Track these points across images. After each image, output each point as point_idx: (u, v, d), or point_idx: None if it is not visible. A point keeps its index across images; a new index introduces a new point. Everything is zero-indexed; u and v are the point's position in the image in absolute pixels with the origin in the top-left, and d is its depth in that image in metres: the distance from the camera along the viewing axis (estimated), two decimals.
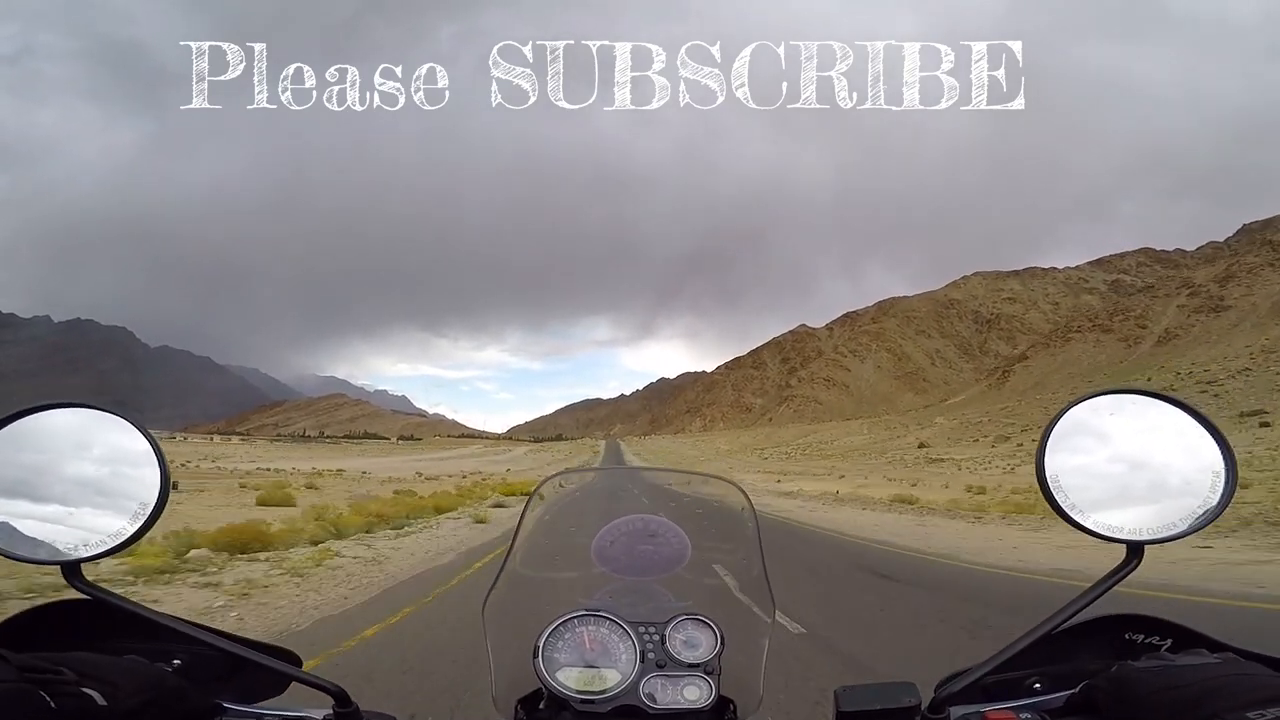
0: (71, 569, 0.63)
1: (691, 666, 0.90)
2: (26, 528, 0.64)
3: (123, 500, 0.66)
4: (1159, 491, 0.70)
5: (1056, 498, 0.68)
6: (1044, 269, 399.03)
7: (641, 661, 0.90)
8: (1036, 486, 0.70)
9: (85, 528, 0.65)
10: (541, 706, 0.91)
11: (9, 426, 0.66)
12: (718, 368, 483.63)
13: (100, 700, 0.54)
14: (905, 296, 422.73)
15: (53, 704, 0.49)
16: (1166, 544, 0.69)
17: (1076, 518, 0.68)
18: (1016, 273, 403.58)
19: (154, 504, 0.65)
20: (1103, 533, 0.67)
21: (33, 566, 0.66)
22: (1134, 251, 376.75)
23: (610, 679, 0.88)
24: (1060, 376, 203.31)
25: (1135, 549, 0.68)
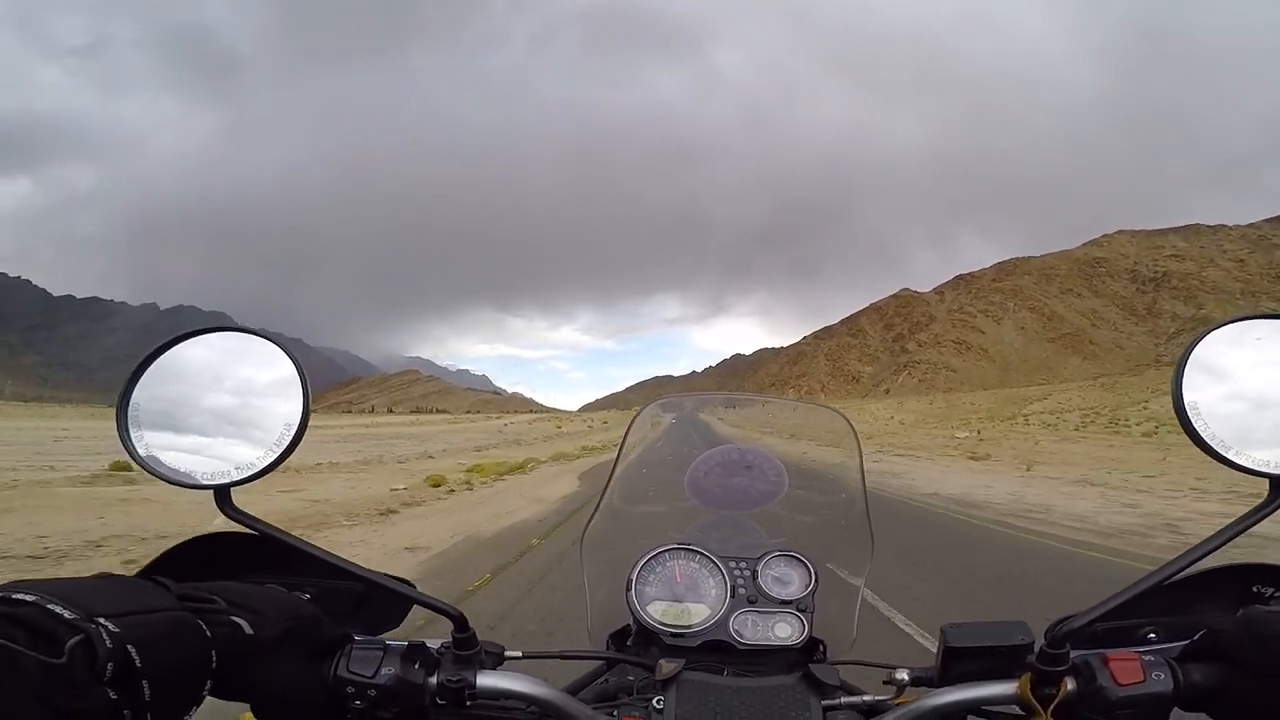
0: (222, 495, 0.65)
1: (783, 603, 0.88)
2: (179, 458, 0.66)
3: (267, 424, 0.67)
4: None
5: (1196, 427, 0.62)
6: (1210, 226, 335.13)
7: (731, 597, 0.89)
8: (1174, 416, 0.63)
9: (232, 454, 0.66)
10: (630, 641, 0.91)
11: (164, 355, 0.67)
12: (804, 338, 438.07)
13: (248, 629, 0.56)
14: (1031, 256, 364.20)
15: (208, 632, 0.52)
16: None
17: (1218, 448, 0.61)
18: (1176, 229, 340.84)
19: (297, 426, 0.66)
20: (1246, 465, 0.61)
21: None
22: None
23: (699, 614, 0.87)
24: None
25: (1278, 484, 0.60)
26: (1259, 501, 0.61)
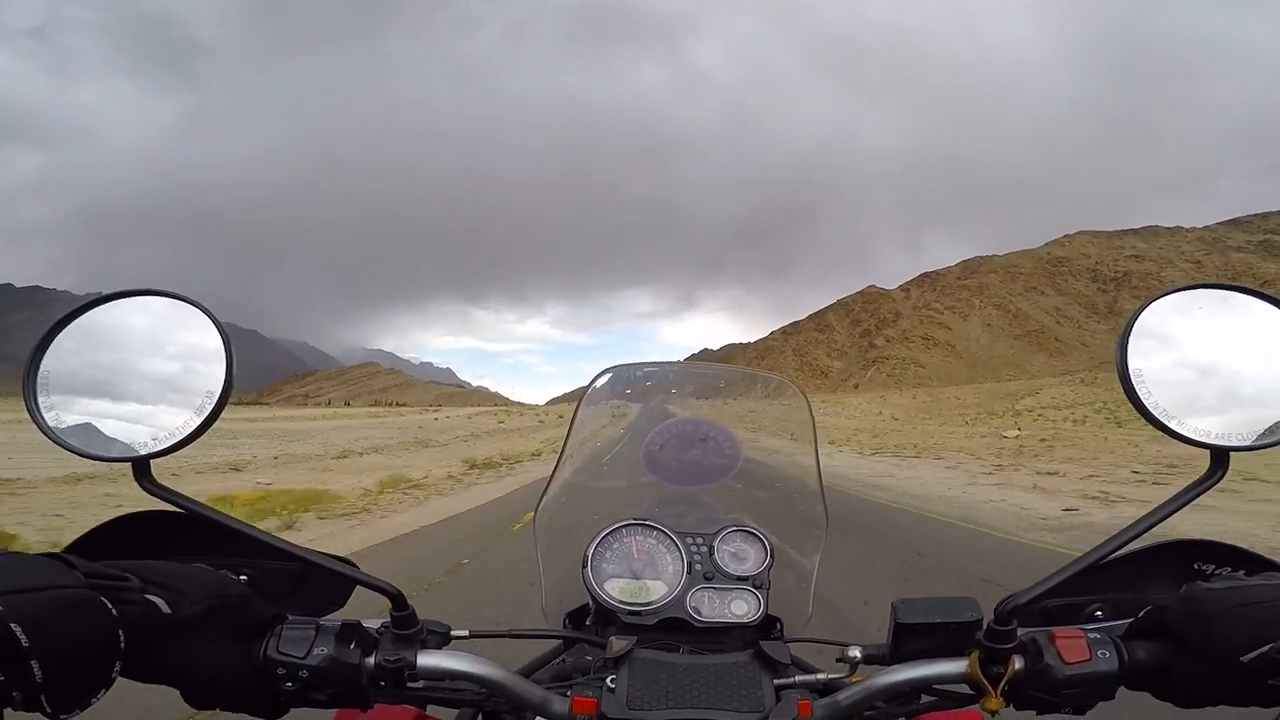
0: (141, 467, 0.61)
1: (740, 580, 0.87)
2: (97, 423, 0.63)
3: (188, 393, 0.63)
4: (1245, 396, 0.63)
5: (1140, 395, 0.62)
6: (1168, 228, 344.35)
7: (689, 573, 0.87)
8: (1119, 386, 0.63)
9: (151, 425, 0.63)
10: (588, 620, 0.90)
11: (79, 318, 0.63)
12: (772, 333, 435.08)
13: (164, 608, 0.53)
14: (995, 255, 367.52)
15: (115, 611, 0.49)
16: (1254, 452, 0.61)
17: (1160, 418, 0.61)
18: (1135, 231, 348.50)
19: (219, 395, 0.63)
20: (1188, 435, 0.61)
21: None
22: None
23: (656, 591, 0.86)
24: None
25: (1220, 457, 0.61)
26: (1200, 475, 0.61)
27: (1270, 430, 0.61)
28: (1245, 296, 0.64)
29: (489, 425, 61.14)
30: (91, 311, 0.64)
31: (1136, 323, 0.63)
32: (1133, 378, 0.62)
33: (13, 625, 0.42)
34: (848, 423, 66.77)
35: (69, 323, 0.63)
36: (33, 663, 0.43)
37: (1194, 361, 0.64)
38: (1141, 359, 0.63)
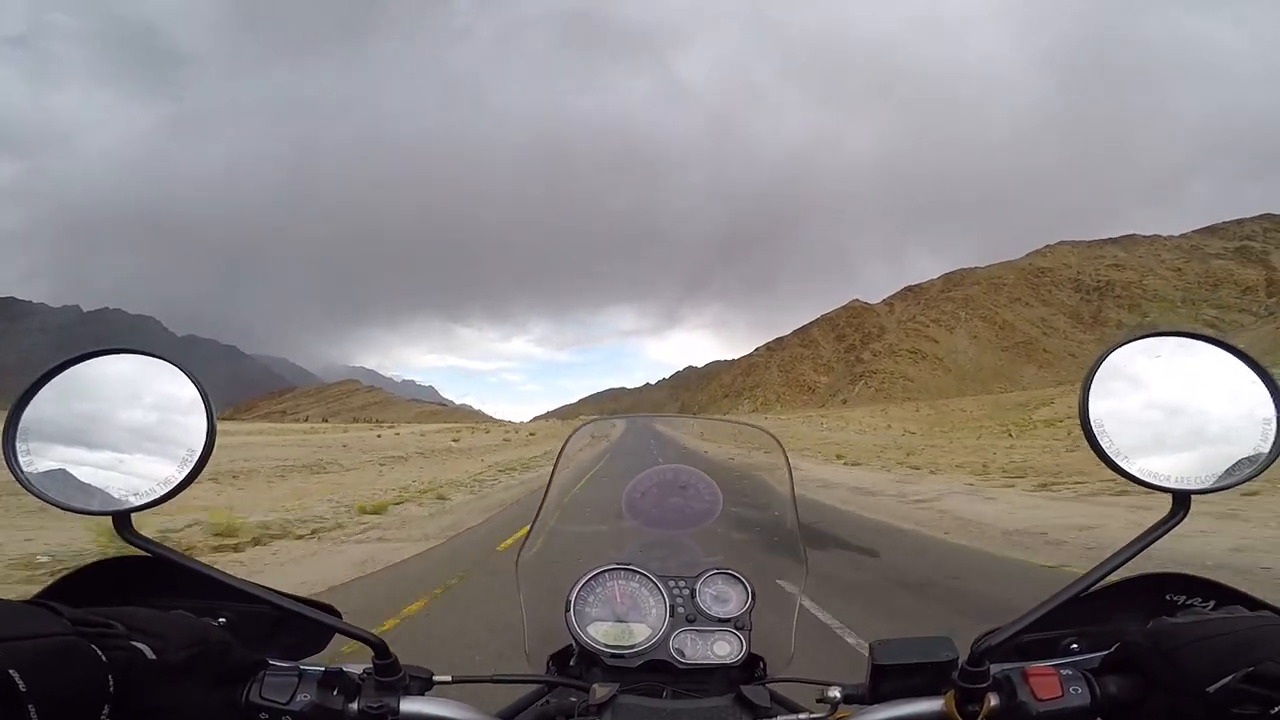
0: (122, 520, 0.63)
1: (722, 622, 0.89)
2: (79, 476, 0.64)
3: (170, 447, 0.65)
4: (1206, 439, 0.65)
5: (1101, 443, 0.64)
6: (1146, 236, 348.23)
7: (671, 616, 0.89)
8: (1080, 432, 0.65)
9: (136, 475, 0.64)
10: (572, 662, 0.90)
11: (59, 376, 0.65)
12: (756, 349, 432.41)
13: (149, 654, 0.55)
14: (978, 267, 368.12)
15: (103, 656, 0.51)
16: (1213, 494, 0.63)
17: (1121, 464, 0.63)
18: (1114, 240, 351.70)
19: (201, 450, 0.65)
20: (1148, 480, 0.63)
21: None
22: (1256, 218, 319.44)
23: (640, 634, 0.87)
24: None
25: (1182, 499, 0.63)
26: (1162, 516, 0.63)
27: (1229, 472, 0.63)
28: (1201, 344, 0.67)
29: (441, 444, 53.34)
30: (73, 368, 0.66)
31: (1097, 372, 0.66)
32: (1093, 424, 0.64)
33: (11, 671, 0.44)
34: (859, 438, 59.25)
35: (49, 379, 0.65)
36: (30, 707, 0.44)
37: (1152, 408, 0.66)
38: (1102, 407, 0.65)
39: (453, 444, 53.28)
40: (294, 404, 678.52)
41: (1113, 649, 0.65)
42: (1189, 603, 0.74)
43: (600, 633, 0.88)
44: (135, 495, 0.64)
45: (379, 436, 64.02)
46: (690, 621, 0.89)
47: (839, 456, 29.84)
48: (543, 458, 29.02)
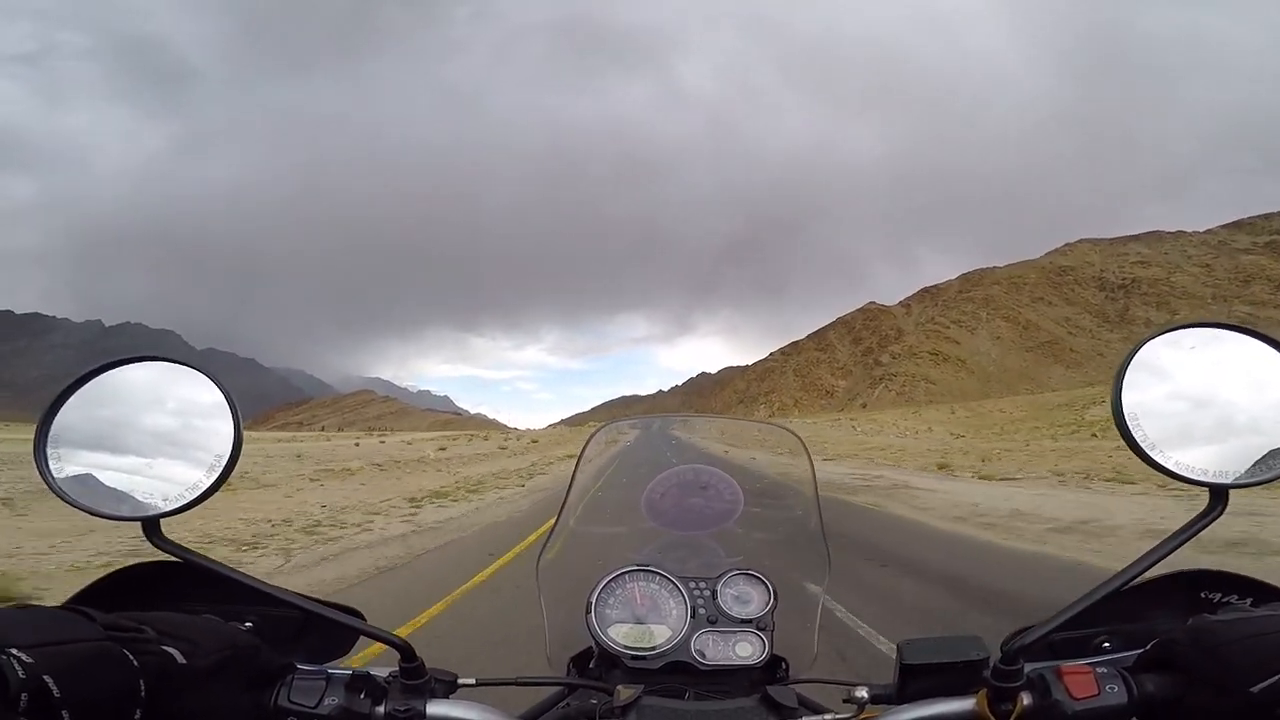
0: (151, 526, 0.64)
1: (743, 622, 0.89)
2: (108, 483, 0.65)
3: (197, 453, 0.66)
4: (1245, 433, 0.63)
5: (1135, 436, 0.62)
6: (1171, 233, 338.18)
7: (692, 617, 0.89)
8: (1114, 425, 0.62)
9: (164, 480, 0.66)
10: (592, 664, 0.91)
11: (87, 384, 0.66)
12: (771, 354, 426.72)
13: (180, 659, 0.55)
14: (996, 267, 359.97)
15: (135, 661, 0.52)
16: (1253, 489, 0.61)
17: (1156, 458, 0.61)
18: (1136, 237, 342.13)
19: (228, 456, 0.66)
20: (1184, 474, 0.61)
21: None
22: None
23: (660, 635, 0.87)
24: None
25: (1219, 493, 0.61)
26: (1200, 510, 0.61)
27: (1265, 462, 0.61)
28: (1236, 334, 0.65)
29: (414, 454, 47.03)
30: (99, 377, 0.67)
31: (1130, 364, 0.64)
32: (1127, 419, 0.62)
33: (45, 677, 0.44)
34: (902, 441, 51.83)
35: (77, 388, 0.66)
36: (64, 712, 0.45)
37: (1186, 401, 0.64)
38: (1136, 402, 0.63)
39: (439, 453, 48.60)
40: (311, 415, 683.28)
41: (1148, 647, 0.64)
42: (1226, 600, 0.73)
43: (621, 634, 0.87)
44: (165, 500, 0.65)
45: (356, 445, 59.34)
46: (711, 623, 0.88)
47: (940, 466, 23.48)
48: (523, 472, 25.01)
